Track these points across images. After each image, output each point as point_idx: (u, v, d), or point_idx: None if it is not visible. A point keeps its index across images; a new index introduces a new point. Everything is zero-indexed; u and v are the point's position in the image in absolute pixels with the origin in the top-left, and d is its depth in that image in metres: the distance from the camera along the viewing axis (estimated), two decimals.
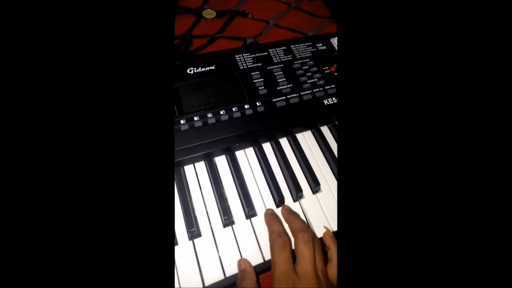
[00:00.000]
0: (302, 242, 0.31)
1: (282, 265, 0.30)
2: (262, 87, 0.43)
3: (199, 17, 0.60)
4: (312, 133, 0.43)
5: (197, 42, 0.56)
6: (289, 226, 0.34)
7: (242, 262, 0.33)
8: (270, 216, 0.35)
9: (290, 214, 0.35)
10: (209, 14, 0.60)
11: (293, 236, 0.33)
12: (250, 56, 0.46)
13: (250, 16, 0.61)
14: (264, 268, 0.33)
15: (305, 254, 0.30)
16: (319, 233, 0.35)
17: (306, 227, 0.33)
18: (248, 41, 0.57)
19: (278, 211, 0.36)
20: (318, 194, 0.38)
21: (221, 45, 0.56)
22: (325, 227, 0.36)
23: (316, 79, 0.45)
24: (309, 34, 0.60)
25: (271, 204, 0.37)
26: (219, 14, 0.61)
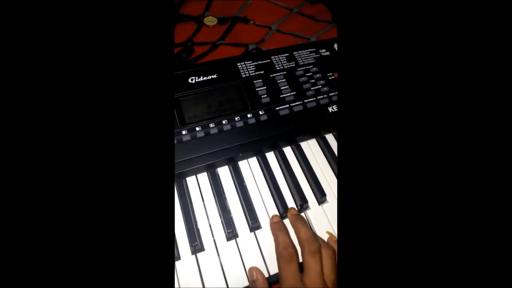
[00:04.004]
0: (308, 253, 0.30)
1: (289, 279, 0.29)
2: (265, 95, 0.42)
3: (201, 24, 0.59)
4: (317, 141, 0.42)
5: (198, 50, 0.55)
6: (296, 235, 0.33)
7: (254, 272, 0.31)
8: (276, 226, 0.34)
9: (297, 220, 0.34)
10: (210, 21, 0.60)
11: (300, 246, 0.32)
12: (252, 63, 0.45)
13: (251, 22, 0.61)
14: (270, 282, 0.32)
15: (312, 266, 0.29)
16: None
17: (312, 236, 0.32)
18: (250, 47, 0.57)
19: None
20: (324, 205, 0.37)
21: (223, 52, 0.56)
22: (328, 232, 0.35)
23: (320, 86, 0.44)
24: (312, 39, 0.60)
25: None
26: (221, 21, 0.60)
